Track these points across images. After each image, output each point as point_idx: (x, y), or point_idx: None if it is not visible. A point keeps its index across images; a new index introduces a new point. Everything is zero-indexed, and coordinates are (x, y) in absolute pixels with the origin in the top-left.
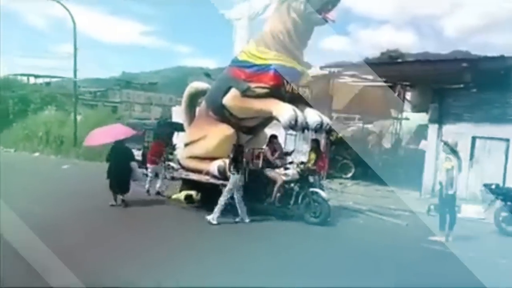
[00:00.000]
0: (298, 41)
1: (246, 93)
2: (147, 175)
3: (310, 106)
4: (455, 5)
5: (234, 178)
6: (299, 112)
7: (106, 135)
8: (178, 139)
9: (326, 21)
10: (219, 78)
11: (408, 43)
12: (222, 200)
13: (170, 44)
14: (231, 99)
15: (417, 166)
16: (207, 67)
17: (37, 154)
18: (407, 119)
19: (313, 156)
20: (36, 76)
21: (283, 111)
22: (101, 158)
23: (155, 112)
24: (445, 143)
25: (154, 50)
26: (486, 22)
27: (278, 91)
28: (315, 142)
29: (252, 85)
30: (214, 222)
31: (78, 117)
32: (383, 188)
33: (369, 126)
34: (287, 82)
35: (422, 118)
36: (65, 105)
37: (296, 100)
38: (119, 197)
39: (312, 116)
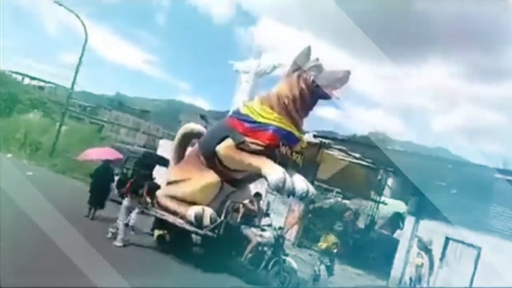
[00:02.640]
0: (301, 110)
1: (240, 146)
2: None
3: (299, 173)
4: (448, 104)
5: (127, 202)
6: (288, 177)
7: (98, 153)
8: (158, 173)
9: (331, 97)
10: (216, 125)
11: (395, 128)
12: (120, 222)
13: (169, 77)
14: (224, 148)
15: (388, 254)
16: (200, 107)
17: (9, 155)
18: (384, 203)
19: (333, 239)
20: (32, 78)
21: (273, 171)
22: (74, 174)
23: (139, 139)
24: (420, 240)
25: (153, 79)
26: (473, 126)
27: (272, 152)
28: (342, 226)
29: (248, 139)
30: (119, 244)
31: (63, 128)
32: (351, 269)
33: (347, 202)
34: (283, 144)
35: (399, 206)
36: (53, 113)
37: (287, 164)
38: (92, 211)
39: (300, 183)
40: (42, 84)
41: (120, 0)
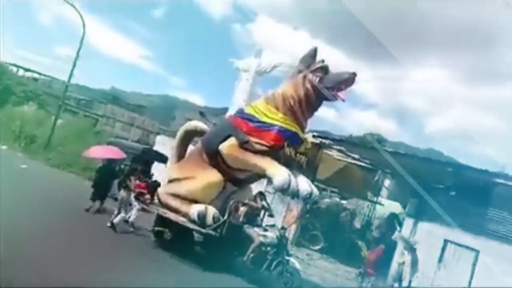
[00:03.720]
0: (306, 111)
1: (244, 146)
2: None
3: (303, 174)
4: (443, 106)
5: (122, 194)
6: (292, 178)
7: (102, 152)
8: (156, 170)
9: (336, 99)
10: (220, 124)
11: (389, 129)
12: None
13: (164, 72)
14: (227, 147)
15: (385, 254)
16: (195, 103)
17: (4, 147)
18: (381, 204)
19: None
20: (26, 70)
21: (278, 173)
22: (69, 168)
23: (134, 134)
24: (405, 240)
25: (148, 73)
26: (469, 129)
27: (276, 152)
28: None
29: (252, 139)
30: (108, 224)
31: (58, 121)
32: (348, 268)
33: (344, 202)
34: (287, 145)
35: (394, 207)
36: (47, 105)
37: (291, 165)
38: (96, 204)
39: (303, 184)
40: (36, 76)
41: None
